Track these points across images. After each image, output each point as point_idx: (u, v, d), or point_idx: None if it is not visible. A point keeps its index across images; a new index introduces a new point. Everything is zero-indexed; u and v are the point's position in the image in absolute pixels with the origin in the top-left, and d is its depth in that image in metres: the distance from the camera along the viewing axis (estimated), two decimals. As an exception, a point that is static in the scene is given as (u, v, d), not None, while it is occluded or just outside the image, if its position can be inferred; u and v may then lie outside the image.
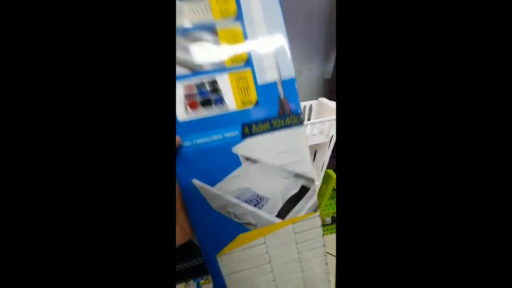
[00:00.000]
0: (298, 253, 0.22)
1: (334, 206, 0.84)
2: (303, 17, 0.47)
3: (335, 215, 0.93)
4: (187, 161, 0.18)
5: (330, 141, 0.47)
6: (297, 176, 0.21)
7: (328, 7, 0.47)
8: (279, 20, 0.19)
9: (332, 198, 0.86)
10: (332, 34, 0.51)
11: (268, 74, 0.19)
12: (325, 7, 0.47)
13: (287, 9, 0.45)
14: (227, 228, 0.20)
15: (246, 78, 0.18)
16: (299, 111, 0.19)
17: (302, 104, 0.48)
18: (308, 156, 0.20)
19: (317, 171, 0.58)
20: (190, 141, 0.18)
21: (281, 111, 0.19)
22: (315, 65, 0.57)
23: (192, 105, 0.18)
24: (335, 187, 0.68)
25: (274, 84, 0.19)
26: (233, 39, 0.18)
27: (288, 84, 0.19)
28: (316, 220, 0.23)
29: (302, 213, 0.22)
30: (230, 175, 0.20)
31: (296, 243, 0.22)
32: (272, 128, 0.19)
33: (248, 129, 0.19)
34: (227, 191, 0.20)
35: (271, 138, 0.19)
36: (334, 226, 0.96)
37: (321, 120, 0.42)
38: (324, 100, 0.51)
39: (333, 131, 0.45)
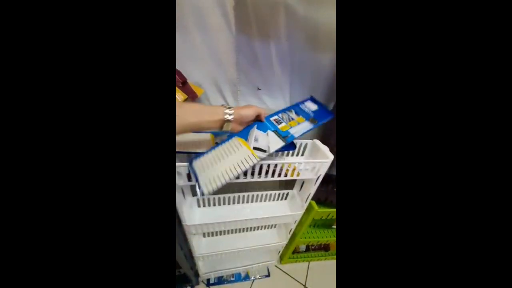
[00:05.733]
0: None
1: (311, 235, 0.90)
2: (315, 78, 0.59)
3: (310, 244, 0.99)
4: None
5: (318, 179, 0.55)
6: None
7: (332, 73, 0.60)
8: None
9: (310, 227, 0.93)
10: (332, 91, 0.64)
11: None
12: (330, 72, 0.59)
13: (305, 71, 0.57)
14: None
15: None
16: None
17: (299, 141, 0.57)
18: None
19: (301, 200, 0.65)
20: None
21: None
22: (315, 111, 0.68)
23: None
24: (315, 217, 0.76)
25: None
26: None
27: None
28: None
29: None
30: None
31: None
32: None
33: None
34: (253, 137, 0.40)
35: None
36: (308, 254, 1.02)
37: (314, 161, 0.51)
38: (317, 142, 0.61)
39: (322, 171, 0.54)
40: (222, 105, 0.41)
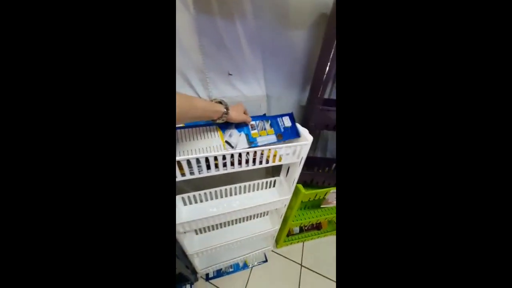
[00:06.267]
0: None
1: (302, 217, 0.92)
2: (289, 59, 0.57)
3: (302, 225, 1.01)
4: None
5: (301, 161, 0.55)
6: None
7: (306, 53, 0.58)
8: None
9: (300, 209, 0.95)
10: (308, 72, 0.62)
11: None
12: (304, 53, 0.57)
13: (278, 52, 0.54)
14: None
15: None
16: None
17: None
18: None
19: (288, 185, 0.65)
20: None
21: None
22: (294, 94, 0.66)
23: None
24: (303, 200, 0.77)
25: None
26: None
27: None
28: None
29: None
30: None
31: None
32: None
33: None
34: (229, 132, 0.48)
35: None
36: (302, 235, 1.05)
37: (294, 144, 0.50)
38: (297, 125, 0.60)
39: (303, 153, 0.53)
40: (220, 102, 0.43)
